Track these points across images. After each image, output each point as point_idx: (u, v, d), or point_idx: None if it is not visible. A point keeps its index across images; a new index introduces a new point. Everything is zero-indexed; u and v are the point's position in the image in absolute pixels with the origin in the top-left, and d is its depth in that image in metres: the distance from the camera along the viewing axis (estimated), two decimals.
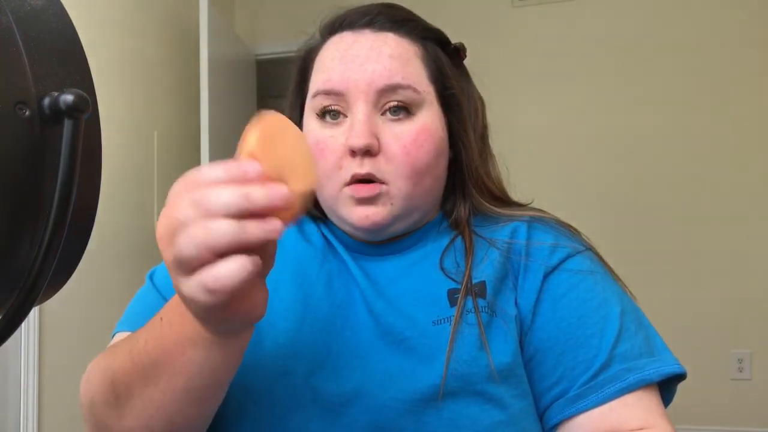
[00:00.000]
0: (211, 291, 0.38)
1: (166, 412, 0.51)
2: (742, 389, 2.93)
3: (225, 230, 0.37)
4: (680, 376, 0.60)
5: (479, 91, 0.74)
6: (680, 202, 3.06)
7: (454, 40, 0.71)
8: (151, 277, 0.70)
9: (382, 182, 0.62)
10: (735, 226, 2.99)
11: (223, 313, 0.41)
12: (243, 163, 0.39)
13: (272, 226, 0.38)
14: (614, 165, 3.15)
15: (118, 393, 0.53)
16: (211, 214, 0.37)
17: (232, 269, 0.37)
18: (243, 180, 0.38)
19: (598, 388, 0.58)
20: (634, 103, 3.15)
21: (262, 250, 0.40)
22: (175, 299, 0.48)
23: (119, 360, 0.54)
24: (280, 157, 0.41)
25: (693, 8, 3.12)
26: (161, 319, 0.50)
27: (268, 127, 0.41)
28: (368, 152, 0.61)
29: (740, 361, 2.94)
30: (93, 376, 0.57)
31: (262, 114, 0.42)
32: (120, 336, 0.64)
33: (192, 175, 0.40)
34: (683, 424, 2.78)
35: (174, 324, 0.48)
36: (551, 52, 3.26)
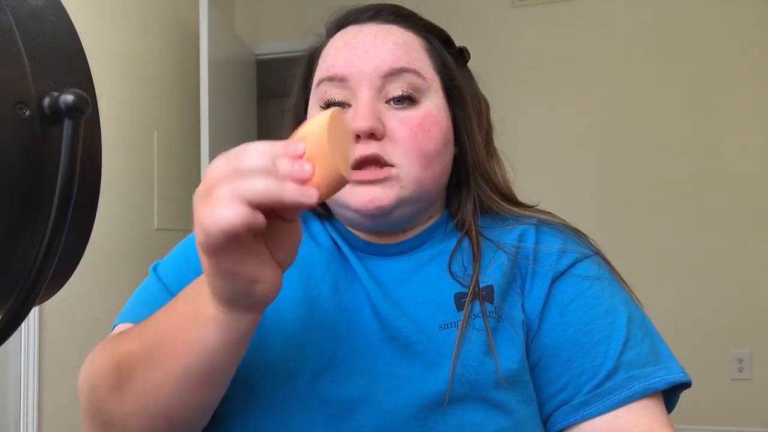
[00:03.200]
0: (205, 229, 0.40)
1: (165, 395, 0.50)
2: (742, 389, 2.93)
3: (261, 183, 0.39)
4: (685, 384, 0.60)
5: (483, 89, 0.74)
6: (680, 202, 3.06)
7: (453, 39, 0.71)
8: (155, 270, 0.69)
9: (389, 164, 0.61)
10: (735, 226, 2.99)
11: (222, 264, 0.42)
12: (288, 142, 0.42)
13: (309, 192, 0.40)
14: (614, 165, 3.15)
15: (121, 376, 0.52)
16: (242, 171, 0.40)
17: (227, 212, 0.39)
18: (282, 154, 0.41)
19: (604, 395, 0.57)
20: (635, 103, 3.15)
21: (281, 228, 0.43)
22: (195, 281, 0.50)
23: (127, 343, 0.54)
24: (325, 144, 0.42)
25: (694, 8, 3.12)
26: (177, 298, 0.51)
27: (329, 118, 0.43)
28: (373, 135, 0.60)
29: (740, 361, 2.94)
30: (98, 360, 0.57)
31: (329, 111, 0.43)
32: (121, 327, 0.64)
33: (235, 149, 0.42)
34: (683, 424, 2.78)
35: (188, 299, 0.49)
36: (551, 52, 3.26)
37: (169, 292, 0.64)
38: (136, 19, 2.66)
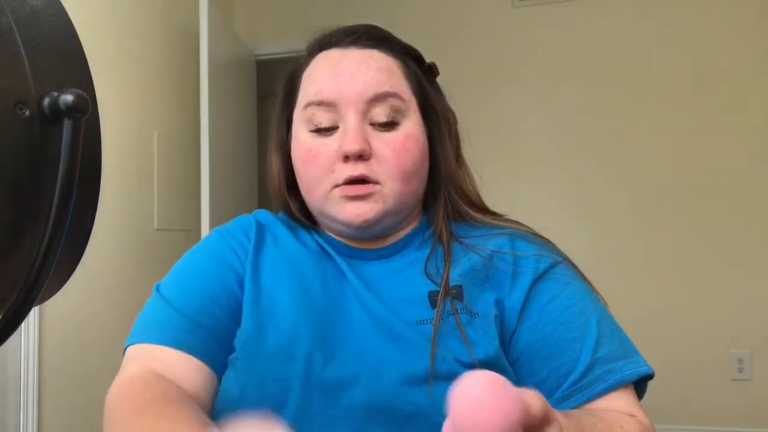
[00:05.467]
0: None
1: None
2: (742, 389, 2.93)
3: None
4: (650, 376, 0.67)
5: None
6: (680, 203, 3.06)
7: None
8: (158, 289, 0.73)
9: (375, 182, 0.69)
10: (735, 226, 2.99)
11: None
12: None
13: None
14: (614, 166, 3.15)
15: None
16: None
17: None
18: None
19: (584, 388, 0.65)
20: (634, 104, 3.15)
21: None
22: None
23: None
24: None
25: (695, 10, 3.12)
26: None
27: None
28: (361, 156, 0.67)
29: (740, 361, 2.94)
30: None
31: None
32: (135, 349, 0.66)
33: None
34: (683, 424, 2.77)
35: None
36: (551, 52, 3.26)
37: (176, 309, 0.68)
38: (136, 19, 2.66)
